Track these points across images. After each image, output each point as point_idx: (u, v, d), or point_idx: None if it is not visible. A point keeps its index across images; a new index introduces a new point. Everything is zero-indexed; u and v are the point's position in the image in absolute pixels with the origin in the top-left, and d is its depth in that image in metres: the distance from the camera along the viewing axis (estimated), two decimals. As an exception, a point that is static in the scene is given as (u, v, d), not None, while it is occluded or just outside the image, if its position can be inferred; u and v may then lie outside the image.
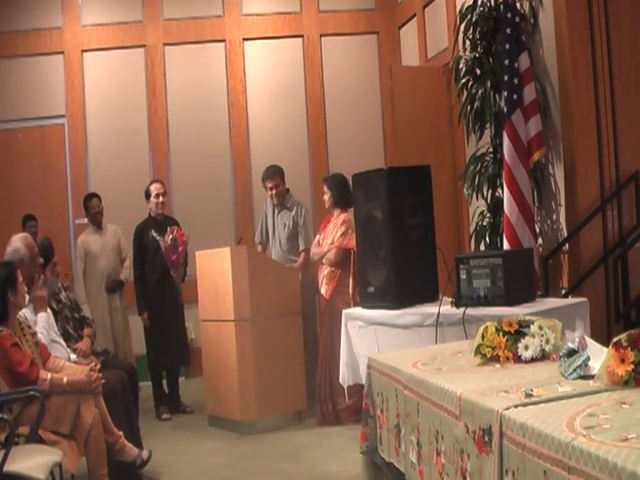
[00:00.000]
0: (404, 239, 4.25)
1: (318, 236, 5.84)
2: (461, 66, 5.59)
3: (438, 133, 6.65)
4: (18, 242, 4.51)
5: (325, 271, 5.64)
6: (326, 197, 5.74)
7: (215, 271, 5.55)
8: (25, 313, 4.20)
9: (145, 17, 8.00)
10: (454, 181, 6.58)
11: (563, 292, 4.89)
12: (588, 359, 2.24)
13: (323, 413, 5.49)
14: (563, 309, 3.73)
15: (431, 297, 4.21)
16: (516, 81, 4.87)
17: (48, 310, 4.54)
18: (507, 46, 4.89)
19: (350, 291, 5.50)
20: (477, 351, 2.65)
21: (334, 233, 5.65)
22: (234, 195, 8.04)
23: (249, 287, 5.36)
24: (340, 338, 4.45)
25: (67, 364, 4.18)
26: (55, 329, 4.59)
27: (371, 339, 4.22)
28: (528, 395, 2.07)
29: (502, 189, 5.05)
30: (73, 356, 4.52)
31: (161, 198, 6.27)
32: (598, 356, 2.21)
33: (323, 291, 5.64)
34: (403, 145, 6.59)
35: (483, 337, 2.66)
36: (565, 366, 2.30)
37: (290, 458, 4.77)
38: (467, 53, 5.63)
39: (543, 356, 2.60)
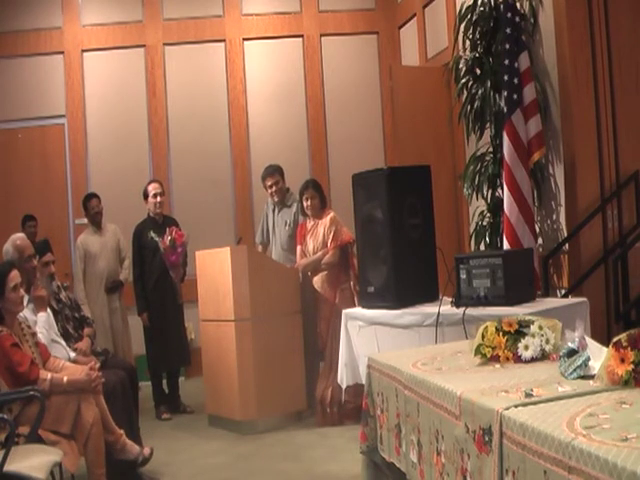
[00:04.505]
0: (404, 239, 4.26)
1: (299, 247, 5.78)
2: (461, 66, 5.60)
3: (438, 133, 6.65)
4: (8, 243, 4.49)
5: (324, 274, 5.62)
6: (314, 202, 5.66)
7: (215, 271, 5.54)
8: (25, 313, 4.19)
9: (145, 17, 8.00)
10: (454, 181, 6.58)
11: (563, 292, 4.89)
12: (588, 359, 2.25)
13: (325, 415, 5.44)
14: (563, 309, 3.73)
15: (431, 297, 4.22)
16: (516, 81, 4.87)
17: (48, 310, 4.54)
18: (507, 46, 4.89)
19: (352, 286, 5.48)
20: (477, 351, 2.66)
21: (325, 235, 5.61)
22: (234, 195, 8.04)
23: (249, 287, 5.36)
24: None
25: (67, 364, 4.18)
26: (55, 329, 4.58)
27: (371, 339, 4.22)
28: (528, 395, 2.08)
29: (502, 189, 5.05)
30: (73, 355, 4.52)
31: (159, 198, 6.26)
32: (598, 356, 2.21)
33: (326, 294, 5.60)
34: (403, 145, 6.59)
35: (483, 337, 2.66)
36: (565, 366, 2.30)
37: (290, 458, 4.77)
38: (467, 53, 5.63)
39: (543, 356, 2.60)
